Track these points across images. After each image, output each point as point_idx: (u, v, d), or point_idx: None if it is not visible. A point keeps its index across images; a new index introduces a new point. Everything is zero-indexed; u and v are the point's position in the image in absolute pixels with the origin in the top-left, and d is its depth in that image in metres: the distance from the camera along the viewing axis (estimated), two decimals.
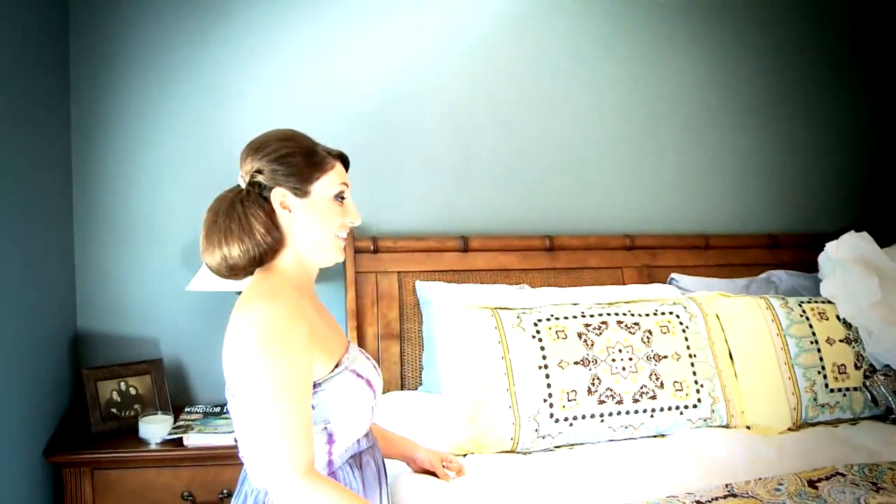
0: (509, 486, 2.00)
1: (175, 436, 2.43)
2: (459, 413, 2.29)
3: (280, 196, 1.58)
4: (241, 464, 2.36)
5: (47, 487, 2.42)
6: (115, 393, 2.55)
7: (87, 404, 2.49)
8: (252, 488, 1.62)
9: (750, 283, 2.94)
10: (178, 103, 2.76)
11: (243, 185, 1.62)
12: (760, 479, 1.96)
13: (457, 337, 2.35)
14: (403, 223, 2.93)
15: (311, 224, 1.60)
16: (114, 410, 2.53)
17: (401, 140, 2.92)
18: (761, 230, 3.24)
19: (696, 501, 1.83)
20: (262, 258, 1.59)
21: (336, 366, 1.60)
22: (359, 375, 1.63)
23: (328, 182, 1.62)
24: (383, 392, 2.66)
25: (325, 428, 1.56)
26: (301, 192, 1.59)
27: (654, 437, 2.36)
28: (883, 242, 2.86)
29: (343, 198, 1.65)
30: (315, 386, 1.54)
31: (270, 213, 1.58)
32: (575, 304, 2.47)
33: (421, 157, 2.95)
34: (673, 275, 2.95)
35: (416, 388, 2.71)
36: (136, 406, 2.57)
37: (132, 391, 2.58)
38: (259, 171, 1.59)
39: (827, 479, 1.95)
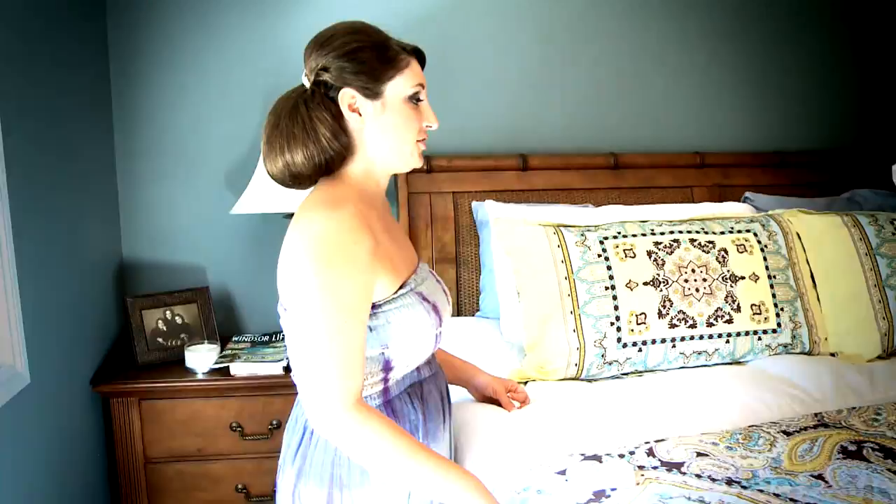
0: (577, 415, 1.85)
1: (221, 365, 2.34)
2: (520, 338, 2.16)
3: (348, 97, 1.40)
4: (294, 393, 2.31)
5: (98, 417, 2.36)
6: (160, 322, 2.47)
7: (133, 334, 2.41)
8: (303, 411, 1.50)
9: (831, 203, 2.71)
10: (221, 23, 2.62)
11: (308, 85, 1.44)
12: (854, 408, 1.79)
13: (517, 256, 2.20)
14: (461, 141, 2.75)
15: (385, 129, 1.43)
16: (160, 340, 2.45)
17: (460, 53, 2.74)
18: (841, 145, 3.00)
19: (782, 431, 1.67)
20: (328, 165, 1.42)
21: (401, 286, 1.44)
22: (425, 299, 1.47)
23: (402, 81, 1.43)
24: None
25: (383, 353, 1.42)
26: (372, 92, 1.41)
27: (730, 363, 2.19)
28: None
29: (419, 99, 1.47)
30: (375, 307, 1.39)
31: (338, 116, 1.41)
32: (644, 222, 2.29)
33: (481, 72, 2.76)
34: (748, 193, 2.73)
35: (473, 315, 2.58)
36: (183, 335, 2.48)
37: (178, 320, 2.49)
38: (325, 69, 1.41)
39: None
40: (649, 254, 2.18)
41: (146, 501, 2.31)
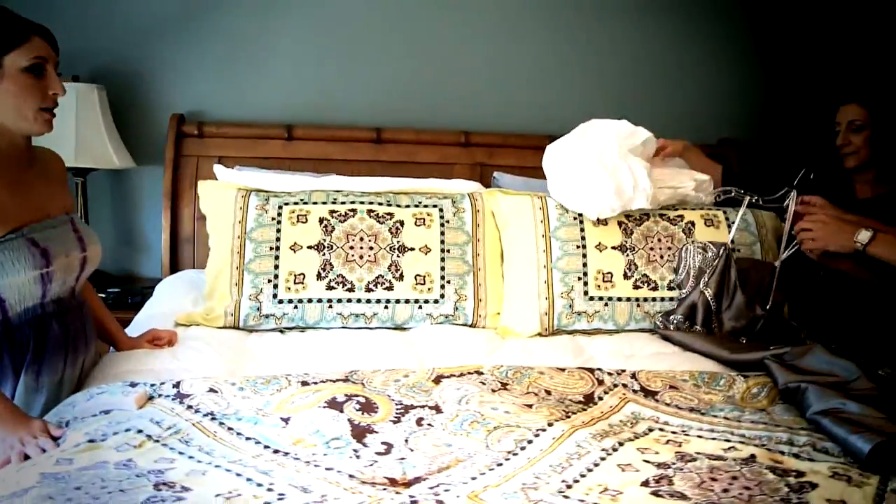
0: (185, 355, 2.07)
1: None
2: (206, 286, 2.39)
3: None
4: None
5: None
6: None
7: None
8: None
9: None
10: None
11: None
12: (393, 369, 1.92)
13: (211, 216, 2.43)
14: (238, 110, 2.97)
15: (7, 97, 1.67)
16: None
17: (236, 27, 2.94)
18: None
19: (301, 381, 1.83)
20: None
21: (11, 232, 1.68)
22: (35, 244, 1.70)
23: (20, 55, 1.66)
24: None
25: None
26: None
27: (394, 329, 2.35)
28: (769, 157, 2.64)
29: (42, 70, 1.70)
30: None
31: None
32: (338, 192, 2.46)
33: (259, 43, 2.96)
34: (496, 173, 2.85)
35: None
36: None
37: None
38: None
39: (460, 375, 1.88)
40: (321, 220, 2.35)
41: None
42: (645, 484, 1.44)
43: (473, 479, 1.45)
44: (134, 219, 3.00)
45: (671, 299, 2.37)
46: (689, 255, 2.36)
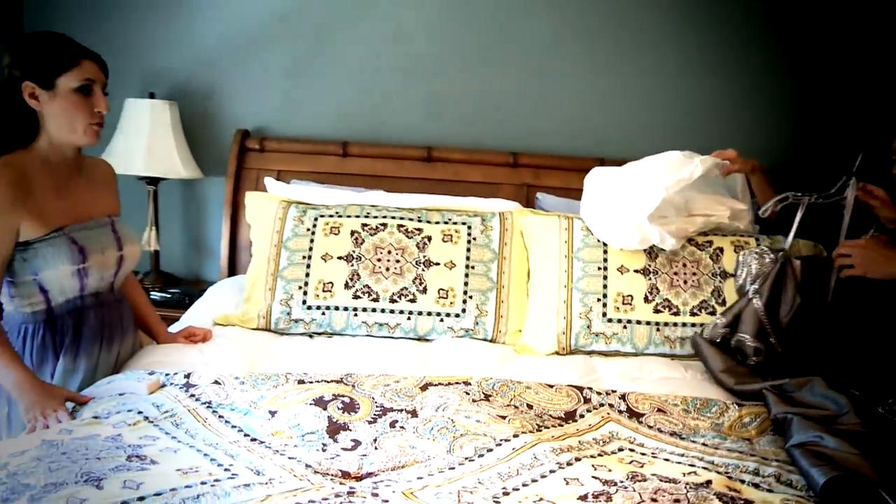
0: (212, 351, 2.24)
1: None
2: (245, 290, 2.56)
3: (29, 88, 1.89)
4: None
5: None
6: None
7: None
8: None
9: None
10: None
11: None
12: (386, 374, 2.01)
13: (253, 225, 2.61)
14: (298, 126, 3.15)
15: (57, 113, 1.91)
16: None
17: (298, 49, 3.13)
18: None
19: (298, 380, 1.94)
20: (17, 139, 1.93)
21: (55, 231, 1.92)
22: (74, 242, 1.94)
23: (72, 76, 1.90)
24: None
25: (35, 279, 1.91)
26: (46, 84, 1.90)
27: (417, 339, 2.43)
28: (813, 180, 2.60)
29: (89, 90, 1.94)
30: (28, 243, 1.89)
31: (23, 102, 1.90)
32: (373, 206, 2.59)
33: (318, 65, 3.13)
34: (538, 194, 2.90)
35: None
36: None
37: None
38: (12, 66, 1.91)
39: (447, 385, 1.95)
40: (352, 233, 2.48)
41: None
42: (582, 499, 1.46)
43: (420, 478, 1.52)
44: (200, 226, 3.24)
45: (693, 325, 2.34)
46: (747, 259, 2.31)
